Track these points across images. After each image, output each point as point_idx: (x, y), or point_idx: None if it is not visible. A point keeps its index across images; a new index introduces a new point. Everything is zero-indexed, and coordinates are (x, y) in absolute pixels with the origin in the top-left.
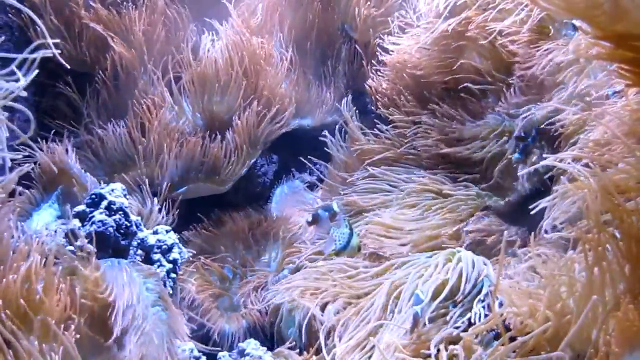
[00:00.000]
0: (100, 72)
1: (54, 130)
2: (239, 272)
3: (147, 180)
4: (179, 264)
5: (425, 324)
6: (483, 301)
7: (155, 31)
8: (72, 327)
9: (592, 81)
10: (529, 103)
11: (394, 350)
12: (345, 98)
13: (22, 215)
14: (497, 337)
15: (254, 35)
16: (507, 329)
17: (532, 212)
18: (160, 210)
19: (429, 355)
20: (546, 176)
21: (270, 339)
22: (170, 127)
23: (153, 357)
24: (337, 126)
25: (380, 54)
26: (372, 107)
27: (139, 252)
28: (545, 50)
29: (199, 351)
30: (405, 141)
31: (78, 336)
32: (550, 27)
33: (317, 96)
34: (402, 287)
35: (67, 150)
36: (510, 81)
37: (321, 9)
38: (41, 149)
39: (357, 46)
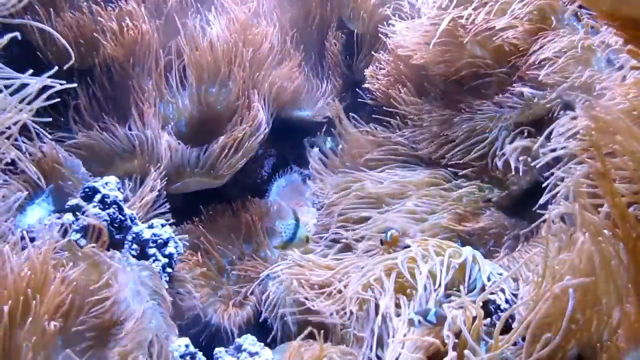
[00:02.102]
0: (94, 65)
1: (47, 124)
2: (237, 265)
3: (142, 173)
4: (175, 258)
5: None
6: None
7: (149, 22)
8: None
9: (596, 71)
10: (531, 94)
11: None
12: (342, 91)
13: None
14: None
15: (252, 26)
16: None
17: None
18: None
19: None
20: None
21: (269, 332)
22: (165, 120)
23: (147, 352)
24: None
25: (379, 45)
26: (370, 100)
27: (134, 246)
28: (547, 40)
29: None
30: (404, 134)
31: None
32: (552, 17)
33: (316, 88)
34: (404, 283)
35: (60, 144)
36: (512, 73)
37: (319, 1)
38: (42, 141)
39: (355, 38)
